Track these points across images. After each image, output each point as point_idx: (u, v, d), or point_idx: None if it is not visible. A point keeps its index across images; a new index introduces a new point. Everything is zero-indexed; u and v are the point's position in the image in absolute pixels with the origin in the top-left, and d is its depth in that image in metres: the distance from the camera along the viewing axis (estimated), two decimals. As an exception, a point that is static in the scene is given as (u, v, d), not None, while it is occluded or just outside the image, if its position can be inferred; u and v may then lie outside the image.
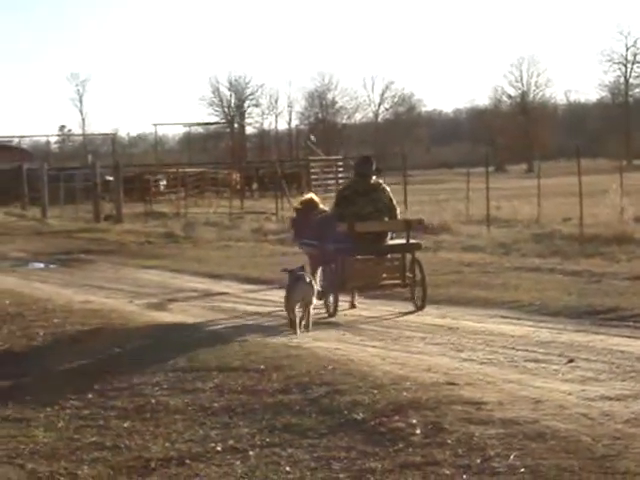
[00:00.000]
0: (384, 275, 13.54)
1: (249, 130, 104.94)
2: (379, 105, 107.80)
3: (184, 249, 24.79)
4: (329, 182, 54.22)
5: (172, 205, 41.07)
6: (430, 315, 12.83)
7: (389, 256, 13.67)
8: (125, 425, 8.00)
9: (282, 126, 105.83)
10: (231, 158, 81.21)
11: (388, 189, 13.81)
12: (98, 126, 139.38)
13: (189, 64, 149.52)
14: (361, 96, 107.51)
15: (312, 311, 11.90)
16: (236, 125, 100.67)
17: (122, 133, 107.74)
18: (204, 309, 14.41)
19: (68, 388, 9.42)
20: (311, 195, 15.72)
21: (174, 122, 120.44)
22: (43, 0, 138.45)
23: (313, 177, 56.67)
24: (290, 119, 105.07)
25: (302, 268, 12.36)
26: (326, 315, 13.02)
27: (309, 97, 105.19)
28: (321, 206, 14.93)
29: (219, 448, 7.21)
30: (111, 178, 42.28)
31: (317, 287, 12.25)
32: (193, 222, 32.07)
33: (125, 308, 14.53)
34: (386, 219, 13.57)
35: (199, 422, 7.93)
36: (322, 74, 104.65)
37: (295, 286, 11.81)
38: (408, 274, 13.43)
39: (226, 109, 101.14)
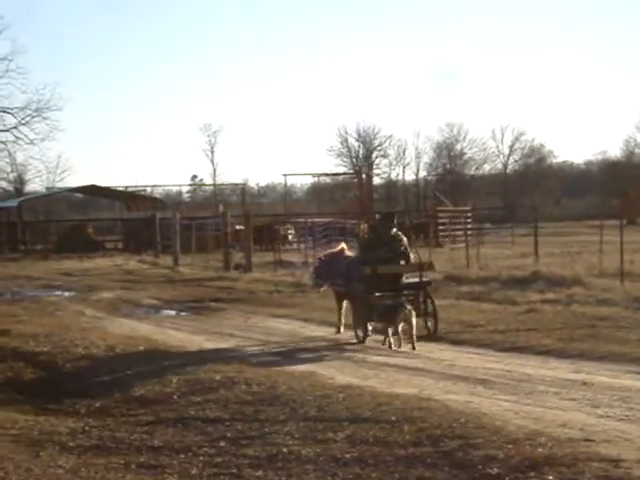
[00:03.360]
0: None
1: (376, 180, 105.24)
2: (508, 156, 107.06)
3: (312, 298, 24.79)
4: (457, 233, 53.95)
5: (300, 254, 41.35)
6: (564, 369, 12.60)
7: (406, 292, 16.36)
8: (257, 474, 8.02)
9: (409, 177, 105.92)
10: (359, 208, 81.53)
11: (405, 239, 16.76)
12: (229, 176, 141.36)
13: (318, 115, 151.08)
14: (490, 147, 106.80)
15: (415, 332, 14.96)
16: (364, 175, 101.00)
17: (252, 183, 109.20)
18: (333, 359, 14.41)
19: (200, 436, 9.54)
20: (342, 245, 18.44)
21: (303, 172, 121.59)
22: (175, 53, 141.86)
23: (441, 227, 56.51)
24: (418, 170, 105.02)
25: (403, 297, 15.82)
26: (356, 342, 15.97)
27: (437, 148, 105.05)
28: (347, 252, 17.79)
29: (352, 500, 7.18)
30: (241, 227, 42.82)
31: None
32: (321, 272, 32.07)
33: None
34: (402, 263, 16.33)
35: (331, 473, 7.90)
36: (451, 125, 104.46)
37: (398, 311, 14.93)
38: (422, 306, 16.21)
39: (354, 159, 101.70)
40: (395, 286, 16.25)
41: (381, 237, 16.52)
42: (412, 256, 16.60)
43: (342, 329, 17.28)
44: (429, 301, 16.36)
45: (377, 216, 17.73)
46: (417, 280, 16.44)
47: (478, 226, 55.65)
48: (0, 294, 30.00)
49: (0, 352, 16.20)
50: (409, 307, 15.21)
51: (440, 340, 15.85)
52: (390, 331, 15.21)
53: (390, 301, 15.53)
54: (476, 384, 11.69)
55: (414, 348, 14.74)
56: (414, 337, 14.95)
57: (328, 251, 19.04)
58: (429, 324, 16.28)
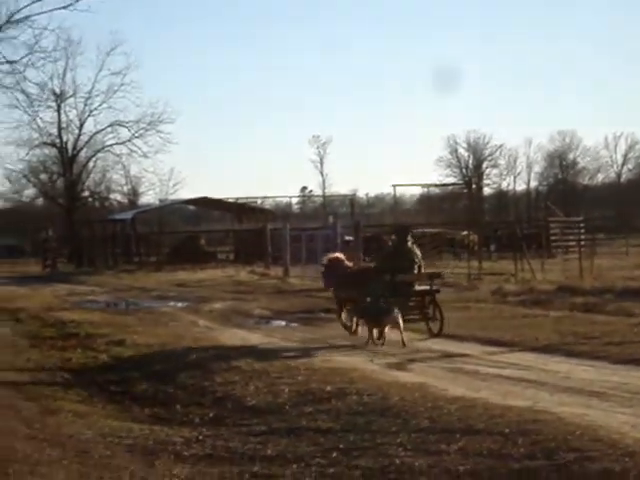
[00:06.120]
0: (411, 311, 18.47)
1: (487, 191, 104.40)
2: (622, 165, 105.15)
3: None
4: (570, 243, 53.12)
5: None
6: (681, 382, 12.30)
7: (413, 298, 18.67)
8: (370, 485, 8.02)
9: (520, 187, 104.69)
10: (468, 219, 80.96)
11: (418, 251, 18.83)
12: (338, 187, 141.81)
13: (427, 125, 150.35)
14: (603, 156, 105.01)
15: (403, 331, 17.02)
16: (474, 186, 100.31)
17: (361, 194, 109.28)
18: (445, 370, 14.31)
19: (313, 446, 9.55)
20: (337, 255, 20.56)
21: (412, 183, 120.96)
22: (286, 66, 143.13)
23: (553, 238, 55.70)
24: (529, 180, 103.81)
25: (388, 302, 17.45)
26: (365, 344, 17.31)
27: (549, 157, 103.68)
28: (346, 262, 19.97)
29: (466, 512, 7.11)
30: (350, 238, 42.86)
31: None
32: (431, 282, 31.86)
33: (366, 367, 14.64)
34: (415, 272, 18.44)
35: (444, 485, 7.86)
36: (563, 133, 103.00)
37: (389, 313, 16.86)
38: (427, 311, 18.51)
39: (464, 170, 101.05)
40: (408, 292, 18.38)
41: (397, 249, 18.73)
42: (423, 266, 18.85)
43: (357, 329, 18.77)
44: (436, 307, 18.40)
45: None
46: (427, 288, 18.59)
47: (591, 236, 54.76)
48: (115, 305, 30.59)
49: (115, 362, 16.49)
50: (396, 311, 17.00)
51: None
52: (376, 331, 17.17)
53: (382, 304, 17.32)
54: (591, 397, 11.50)
55: (404, 345, 16.84)
56: (402, 335, 16.99)
57: (329, 256, 20.73)
58: (431, 326, 18.40)
